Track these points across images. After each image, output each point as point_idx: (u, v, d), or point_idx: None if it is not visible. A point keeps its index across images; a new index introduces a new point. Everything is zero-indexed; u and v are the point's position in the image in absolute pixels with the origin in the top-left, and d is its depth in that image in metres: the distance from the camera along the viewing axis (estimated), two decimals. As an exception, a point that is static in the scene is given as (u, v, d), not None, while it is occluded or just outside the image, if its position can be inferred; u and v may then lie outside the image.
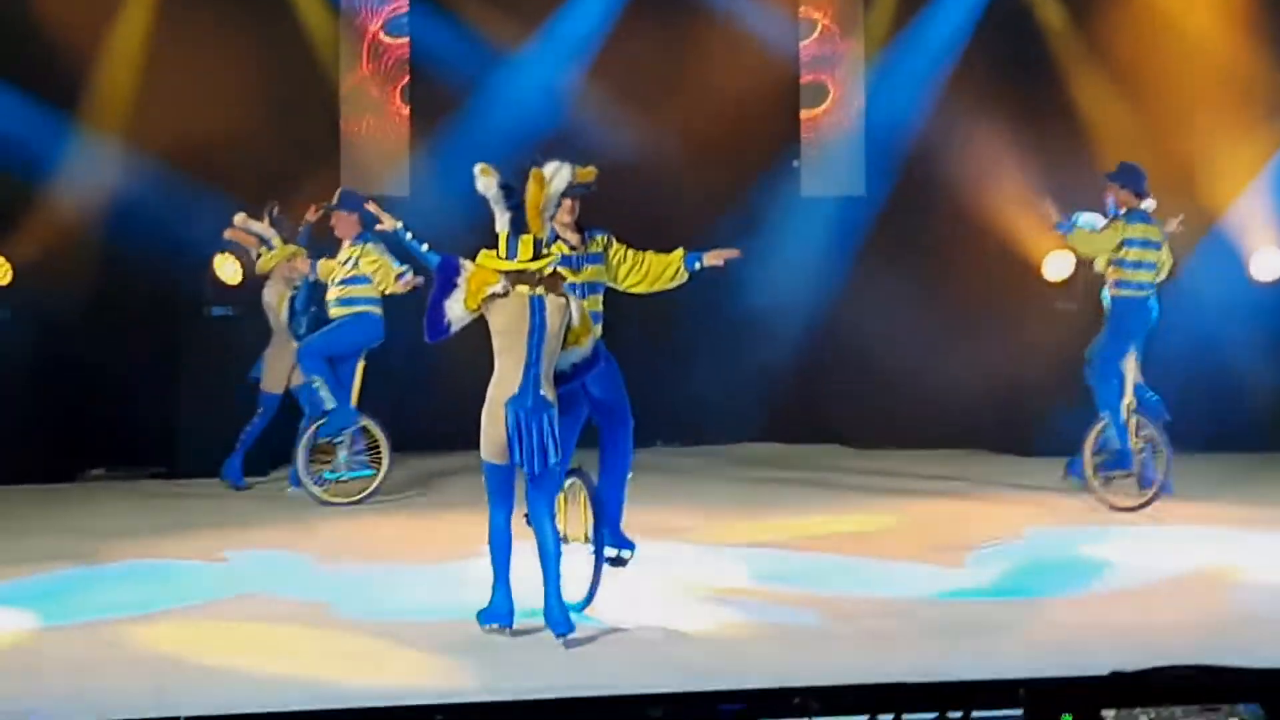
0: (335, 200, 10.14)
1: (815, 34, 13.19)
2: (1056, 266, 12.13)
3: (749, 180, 12.96)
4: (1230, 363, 11.63)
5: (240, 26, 11.62)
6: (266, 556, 8.25)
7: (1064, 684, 5.40)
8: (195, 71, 11.52)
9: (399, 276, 9.66)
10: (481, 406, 6.27)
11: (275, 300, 10.60)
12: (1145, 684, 5.00)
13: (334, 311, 10.01)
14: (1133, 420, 9.35)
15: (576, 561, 6.65)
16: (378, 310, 9.93)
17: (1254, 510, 9.33)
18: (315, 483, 9.91)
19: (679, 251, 7.01)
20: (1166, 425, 9.38)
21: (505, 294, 6.17)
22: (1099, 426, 9.43)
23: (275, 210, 10.48)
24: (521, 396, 6.14)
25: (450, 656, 6.12)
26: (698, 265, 7.00)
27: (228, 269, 11.18)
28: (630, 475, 6.98)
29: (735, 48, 12.74)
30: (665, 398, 12.53)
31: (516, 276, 6.18)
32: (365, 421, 9.97)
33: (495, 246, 6.26)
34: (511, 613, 6.35)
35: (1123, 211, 9.38)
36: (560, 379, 6.34)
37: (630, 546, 6.94)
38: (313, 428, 9.96)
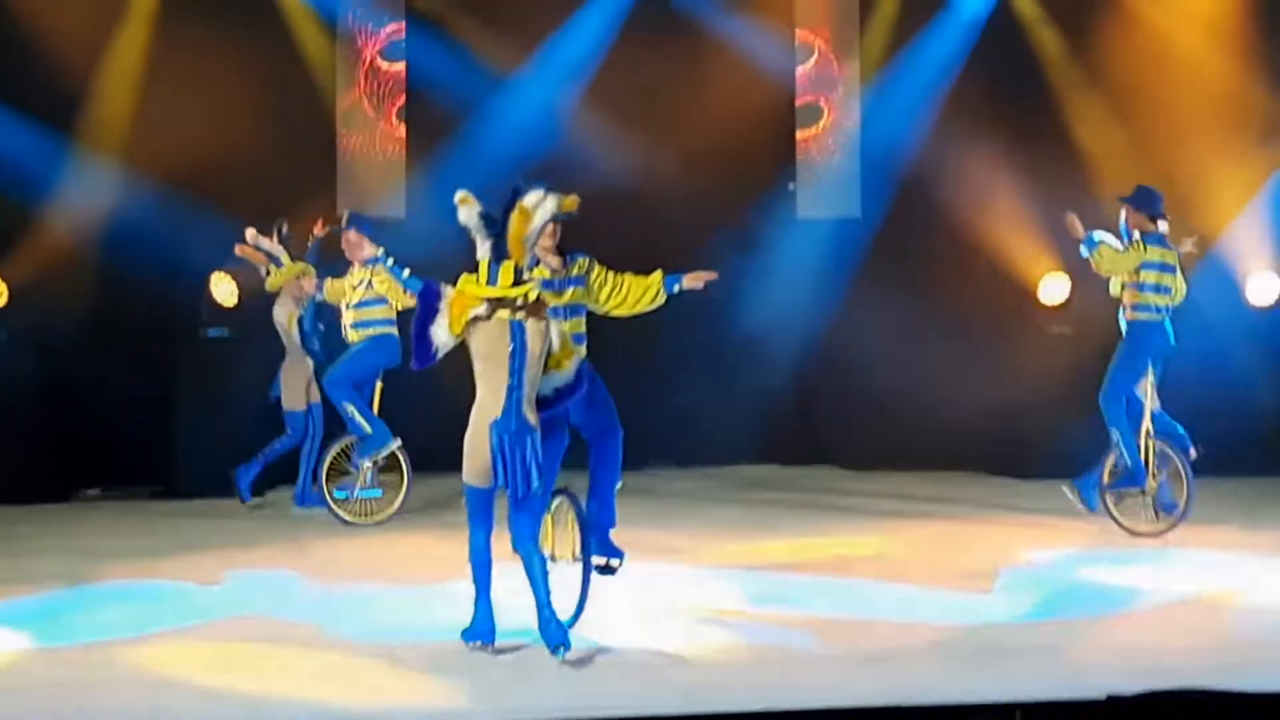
0: (344, 222, 10.14)
1: (811, 57, 13.23)
2: (1052, 289, 12.17)
3: (745, 202, 13.00)
4: (1228, 386, 11.63)
5: (237, 48, 11.65)
6: (262, 577, 8.23)
7: (1061, 706, 5.41)
8: (192, 93, 11.57)
9: (408, 288, 9.65)
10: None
11: (285, 319, 10.58)
12: (1144, 707, 5.00)
13: (351, 335, 10.05)
14: (1151, 444, 9.31)
15: (566, 578, 6.65)
16: (394, 331, 9.95)
17: (1253, 534, 9.32)
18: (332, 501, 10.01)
19: (658, 274, 7.09)
20: (1192, 454, 9.28)
21: (487, 317, 6.22)
22: (1115, 455, 9.37)
23: (284, 227, 10.47)
24: (505, 420, 6.19)
25: (446, 678, 6.10)
26: (677, 288, 7.08)
27: (223, 290, 11.20)
28: (620, 485, 7.00)
29: (731, 70, 12.79)
30: (660, 419, 12.54)
31: (497, 302, 6.24)
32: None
33: (477, 272, 6.33)
34: (493, 630, 6.42)
35: (1137, 235, 9.35)
36: (543, 404, 6.40)
37: (619, 555, 6.96)
38: (335, 448, 10.04)
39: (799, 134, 13.26)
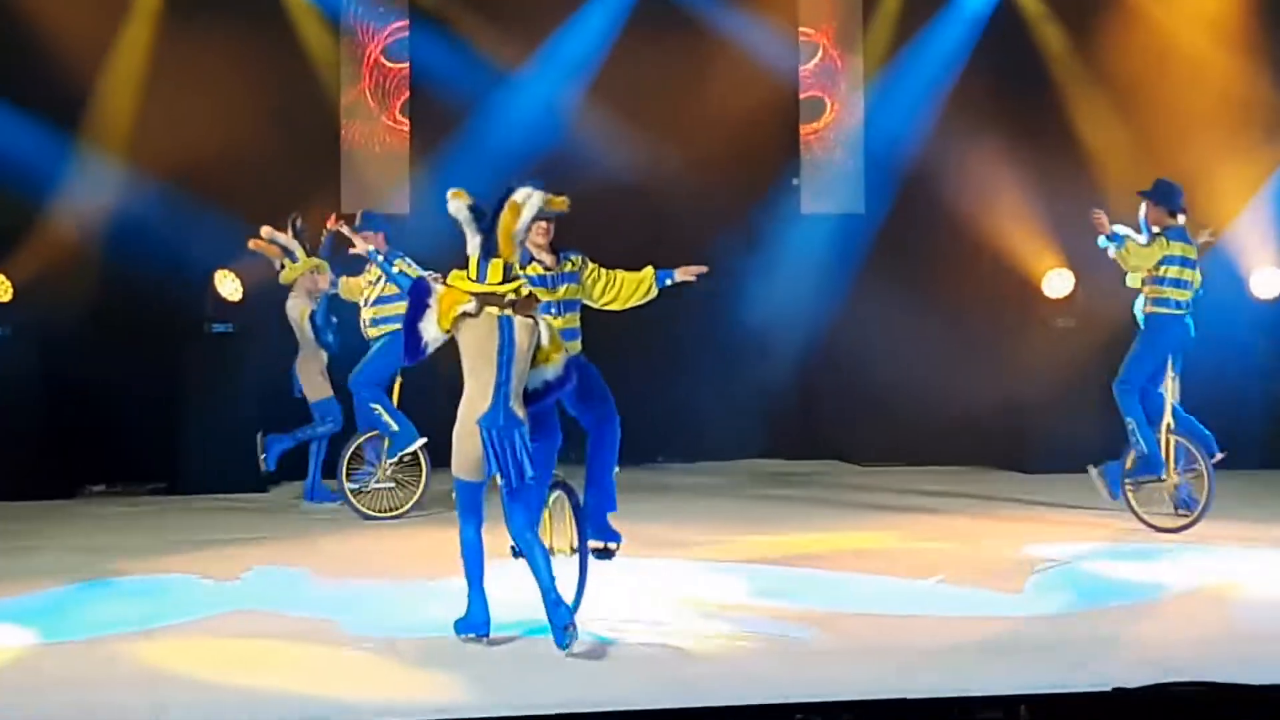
0: (359, 221, 10.16)
1: (815, 52, 13.23)
2: (1056, 284, 12.17)
3: (749, 198, 13.01)
4: (1231, 380, 11.63)
5: (241, 45, 11.66)
6: (267, 572, 8.23)
7: (1066, 699, 5.41)
8: (196, 90, 11.59)
9: (398, 284, 9.64)
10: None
11: (298, 314, 10.57)
12: (1150, 700, 5.00)
13: (370, 332, 10.09)
14: (1171, 440, 9.29)
15: (564, 571, 6.66)
16: None
17: (1259, 526, 9.32)
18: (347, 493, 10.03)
19: (649, 269, 7.17)
20: (1218, 457, 9.25)
21: (476, 314, 6.27)
22: (1134, 453, 9.36)
23: (298, 222, 10.46)
24: (493, 414, 6.25)
25: (451, 672, 6.11)
26: (669, 281, 7.19)
27: (227, 286, 11.21)
28: (617, 470, 7.04)
29: (735, 66, 12.79)
30: (666, 414, 12.56)
31: (486, 298, 6.29)
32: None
33: (466, 268, 6.38)
34: (488, 622, 6.46)
35: (1156, 229, 9.32)
36: (532, 397, 6.45)
37: (617, 539, 7.00)
38: (354, 443, 10.05)
39: (803, 130, 13.26)
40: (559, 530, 6.93)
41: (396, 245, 10.10)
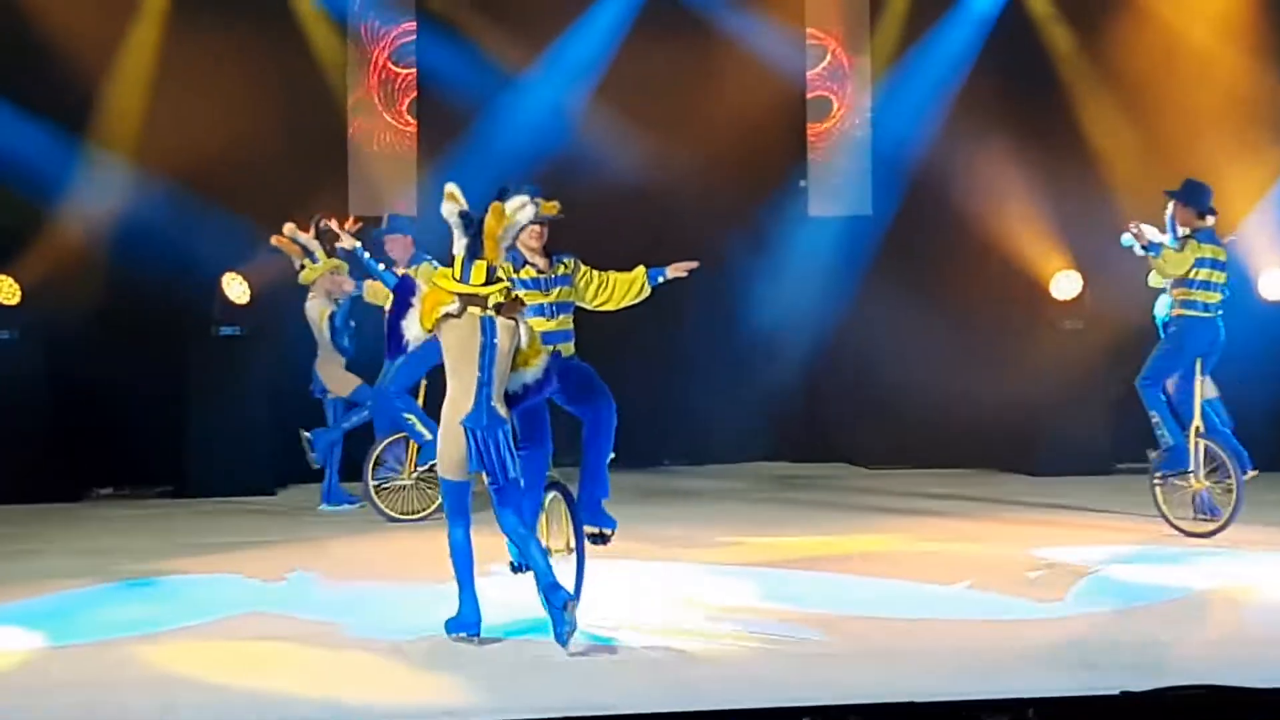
0: (384, 224, 10.14)
1: (822, 53, 13.22)
2: (1064, 285, 12.15)
3: (756, 200, 13.01)
4: (1239, 382, 11.59)
5: (248, 47, 11.68)
6: (275, 574, 8.24)
7: (1074, 703, 5.39)
8: (203, 93, 11.61)
9: (384, 282, 9.61)
10: None
11: (316, 315, 10.54)
12: (1158, 704, 4.99)
13: None
14: (1201, 444, 9.25)
15: (561, 572, 6.66)
16: None
17: (1264, 530, 9.29)
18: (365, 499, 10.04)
19: (640, 269, 7.22)
20: (1250, 475, 9.20)
21: (459, 314, 6.31)
22: (1160, 447, 9.33)
23: (321, 222, 10.42)
24: (476, 414, 6.31)
25: (457, 675, 6.11)
26: (661, 279, 7.24)
27: (235, 288, 11.21)
28: (612, 457, 7.05)
29: (741, 68, 12.79)
30: (672, 417, 12.56)
31: (469, 299, 6.33)
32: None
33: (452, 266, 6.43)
34: (479, 622, 6.50)
35: (1185, 231, 9.26)
36: (512, 400, 6.49)
37: (612, 524, 7.01)
38: (378, 448, 9.99)
39: (810, 131, 13.25)
40: (555, 531, 6.96)
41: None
